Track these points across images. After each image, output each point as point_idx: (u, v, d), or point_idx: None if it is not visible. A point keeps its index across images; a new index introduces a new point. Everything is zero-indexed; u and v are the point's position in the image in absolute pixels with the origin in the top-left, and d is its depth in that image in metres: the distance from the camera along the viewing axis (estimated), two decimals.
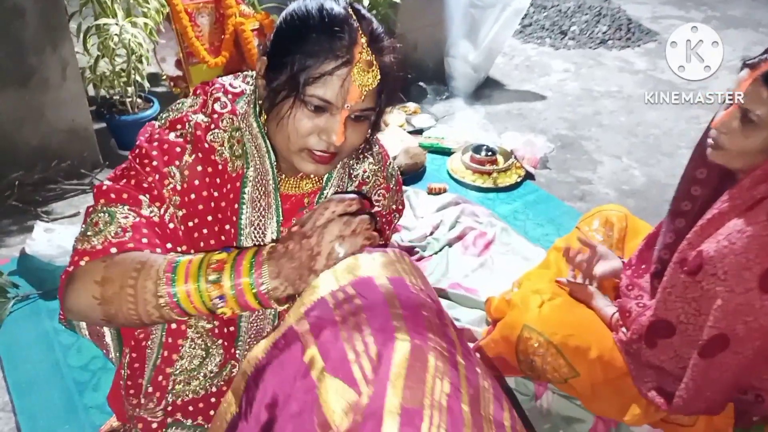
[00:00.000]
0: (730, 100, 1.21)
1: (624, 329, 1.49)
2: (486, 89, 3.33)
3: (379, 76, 0.89)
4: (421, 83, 3.18)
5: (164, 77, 2.82)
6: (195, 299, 0.79)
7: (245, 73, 1.09)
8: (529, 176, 2.51)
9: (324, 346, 0.64)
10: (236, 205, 1.00)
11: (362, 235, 0.78)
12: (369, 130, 0.99)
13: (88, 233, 0.87)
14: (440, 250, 2.05)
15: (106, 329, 1.04)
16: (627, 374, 1.44)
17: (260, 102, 0.97)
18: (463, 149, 2.55)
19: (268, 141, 0.98)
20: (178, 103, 1.01)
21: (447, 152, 2.62)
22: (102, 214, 0.87)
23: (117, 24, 2.15)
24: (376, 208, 1.19)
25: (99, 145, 2.42)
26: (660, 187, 2.59)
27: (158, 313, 0.80)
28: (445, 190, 2.35)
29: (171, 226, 0.92)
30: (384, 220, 1.22)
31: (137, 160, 0.93)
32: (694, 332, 1.28)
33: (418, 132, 2.80)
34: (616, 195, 2.50)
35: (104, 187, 0.91)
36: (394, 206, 1.24)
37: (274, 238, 1.04)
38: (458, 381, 0.62)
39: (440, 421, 0.58)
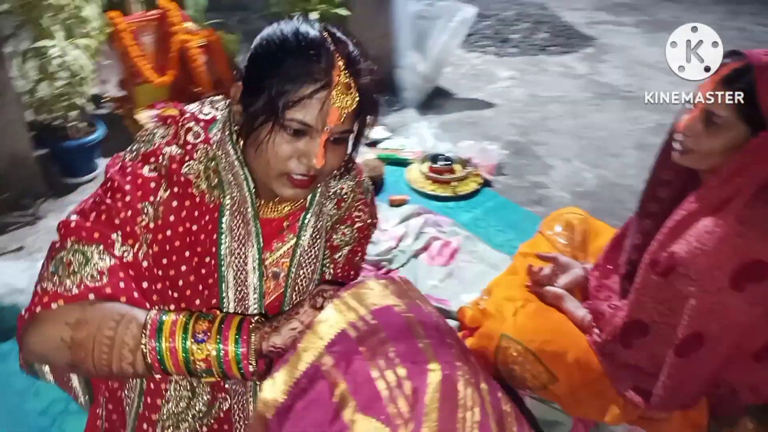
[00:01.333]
0: (692, 103, 1.26)
1: (597, 330, 1.51)
2: (436, 99, 3.37)
3: (357, 98, 0.88)
4: None
5: (107, 99, 2.71)
6: (179, 360, 0.79)
7: (213, 99, 1.05)
8: (486, 183, 2.54)
9: (354, 382, 0.61)
10: (215, 236, 0.96)
11: None
12: (347, 152, 0.97)
13: (60, 273, 0.82)
14: (407, 262, 2.05)
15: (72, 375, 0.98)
16: (604, 375, 1.47)
17: (236, 128, 0.94)
18: (421, 159, 2.56)
19: (245, 168, 0.95)
20: (149, 134, 0.96)
21: (404, 163, 2.63)
22: (76, 254, 0.83)
23: (57, 46, 2.04)
24: (357, 224, 1.17)
25: (42, 174, 2.29)
26: (611, 187, 2.68)
27: (132, 369, 0.80)
28: (406, 201, 2.35)
29: (144, 264, 0.88)
30: (362, 234, 1.20)
31: (109, 194, 0.88)
32: (668, 331, 1.32)
33: (373, 144, 2.80)
34: (570, 197, 2.56)
35: (73, 224, 0.86)
36: (369, 220, 1.22)
37: (256, 266, 1.00)
38: (485, 407, 0.61)
39: None
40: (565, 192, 2.60)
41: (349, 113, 0.88)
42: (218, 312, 0.85)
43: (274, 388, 0.67)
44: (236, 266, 0.98)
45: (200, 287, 0.95)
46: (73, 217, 0.88)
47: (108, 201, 0.87)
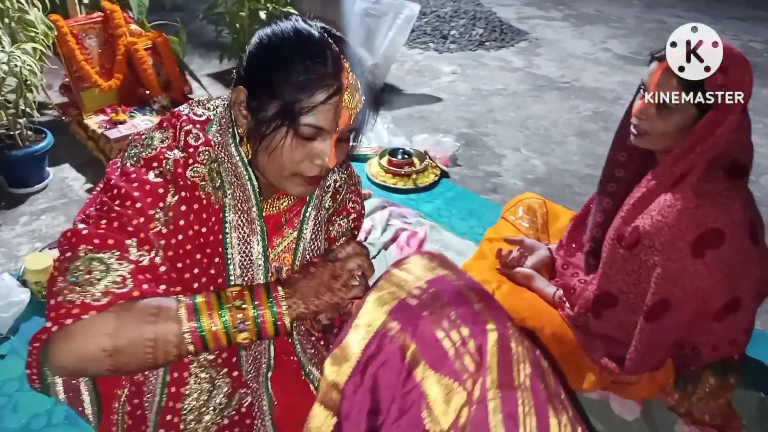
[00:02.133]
0: (643, 89, 1.37)
1: (569, 305, 1.62)
2: (386, 95, 3.43)
3: (363, 97, 0.92)
4: None
5: (52, 105, 2.61)
6: (220, 333, 0.82)
7: (201, 100, 1.06)
8: (444, 174, 2.62)
9: (422, 343, 0.66)
10: (221, 236, 0.98)
11: (367, 279, 0.87)
12: (350, 146, 1.01)
13: (81, 282, 0.81)
14: (378, 254, 2.09)
15: (82, 385, 0.97)
16: (578, 347, 1.57)
17: (240, 131, 0.96)
18: (380, 154, 2.61)
19: (250, 169, 0.97)
20: (146, 138, 0.95)
21: (363, 158, 2.67)
22: (93, 262, 0.82)
23: (4, 51, 1.96)
24: (352, 215, 1.21)
25: None
26: (558, 173, 2.82)
27: (176, 352, 0.82)
28: (369, 195, 2.40)
29: (162, 269, 0.89)
30: (355, 225, 1.24)
31: (117, 202, 0.88)
32: (636, 300, 1.43)
33: None
34: (523, 184, 2.68)
35: (84, 232, 0.85)
36: (362, 210, 1.26)
37: (261, 263, 1.02)
38: (531, 361, 0.68)
39: (527, 400, 0.64)
40: (517, 180, 2.72)
41: (355, 113, 0.91)
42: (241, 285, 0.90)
43: (345, 355, 0.70)
44: (243, 265, 1.00)
45: (211, 288, 0.96)
46: (81, 226, 0.87)
47: (117, 208, 0.87)
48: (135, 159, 0.92)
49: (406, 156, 2.58)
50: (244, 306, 0.84)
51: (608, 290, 1.49)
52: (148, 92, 2.67)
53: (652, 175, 1.41)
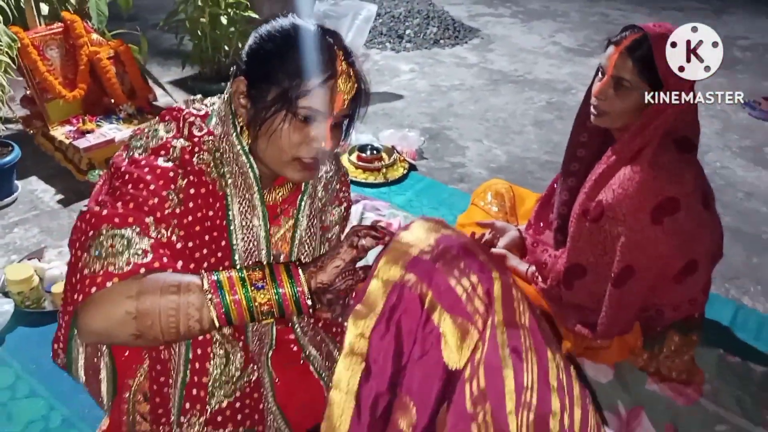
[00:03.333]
0: (601, 72, 1.48)
1: (541, 279, 1.73)
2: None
3: (356, 85, 1.00)
4: None
5: (16, 118, 2.58)
6: (243, 308, 0.87)
7: (195, 98, 1.12)
8: (412, 168, 2.71)
9: (437, 291, 0.74)
10: (224, 222, 1.03)
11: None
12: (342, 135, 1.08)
13: (104, 256, 0.85)
14: None
15: (103, 365, 1.01)
16: (552, 318, 1.68)
17: (240, 120, 1.03)
18: (349, 151, 2.68)
19: (251, 157, 1.03)
20: (150, 130, 1.01)
21: None
22: (115, 238, 0.86)
23: None
24: (344, 203, 1.28)
25: None
26: (519, 161, 2.95)
27: (199, 326, 0.86)
28: None
29: (179, 246, 0.94)
30: (346, 214, 1.31)
31: (129, 186, 0.92)
32: (603, 269, 1.54)
33: None
34: (487, 173, 2.79)
35: (104, 212, 0.89)
36: (351, 198, 1.34)
37: (264, 247, 1.08)
38: (529, 306, 0.77)
39: (528, 337, 0.73)
40: (481, 169, 2.83)
41: (348, 99, 0.99)
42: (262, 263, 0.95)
43: (369, 307, 0.76)
44: (248, 249, 1.06)
45: (221, 269, 1.02)
46: (96, 208, 0.90)
47: (132, 191, 0.91)
48: (142, 149, 0.98)
49: (374, 151, 2.66)
50: (264, 282, 0.89)
51: (577, 262, 1.60)
52: (113, 101, 2.67)
53: (612, 151, 1.52)
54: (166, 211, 0.93)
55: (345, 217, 1.31)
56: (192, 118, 1.03)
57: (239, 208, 1.04)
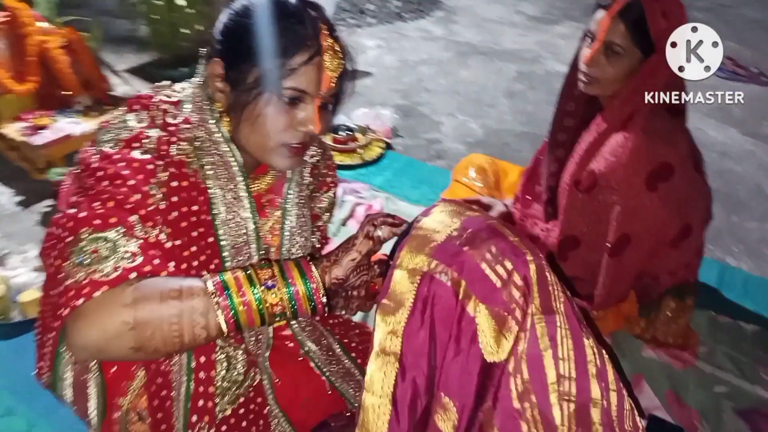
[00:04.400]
0: (590, 38, 1.43)
1: None
2: None
3: (342, 61, 0.92)
4: None
5: None
6: (253, 311, 0.78)
7: (160, 85, 1.02)
8: (388, 146, 2.64)
9: (470, 279, 0.68)
10: (209, 216, 0.95)
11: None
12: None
13: (88, 262, 0.76)
14: (338, 232, 2.09)
15: (92, 381, 0.92)
16: None
17: (218, 106, 0.94)
18: None
19: (232, 145, 0.95)
20: (119, 121, 0.92)
21: None
22: (99, 242, 0.77)
23: None
24: (332, 189, 1.21)
25: None
26: (495, 134, 2.91)
27: (205, 334, 0.78)
28: None
29: (168, 245, 0.86)
30: (335, 199, 1.24)
31: (105, 182, 0.83)
32: (597, 240, 1.51)
33: None
34: (464, 148, 2.75)
35: (81, 215, 0.80)
36: (336, 181, 1.27)
37: (253, 239, 1.01)
38: (562, 289, 0.72)
39: (563, 323, 0.68)
40: (458, 144, 2.78)
41: (335, 76, 0.91)
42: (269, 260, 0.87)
43: (397, 302, 0.70)
44: (236, 244, 0.99)
45: (211, 267, 0.95)
46: (72, 211, 0.81)
47: (108, 188, 0.82)
48: (113, 142, 0.88)
49: (349, 132, 2.58)
50: (275, 280, 0.81)
51: (571, 234, 1.56)
52: (67, 93, 2.52)
53: (602, 118, 1.48)
54: (150, 208, 0.84)
55: (333, 203, 1.24)
56: (165, 106, 0.94)
57: (224, 201, 0.97)
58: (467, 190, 2.03)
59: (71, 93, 2.51)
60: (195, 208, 0.93)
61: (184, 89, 0.99)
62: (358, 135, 2.59)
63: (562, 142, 1.66)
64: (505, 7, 4.86)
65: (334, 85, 0.91)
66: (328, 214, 1.23)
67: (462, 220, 0.74)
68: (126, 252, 0.78)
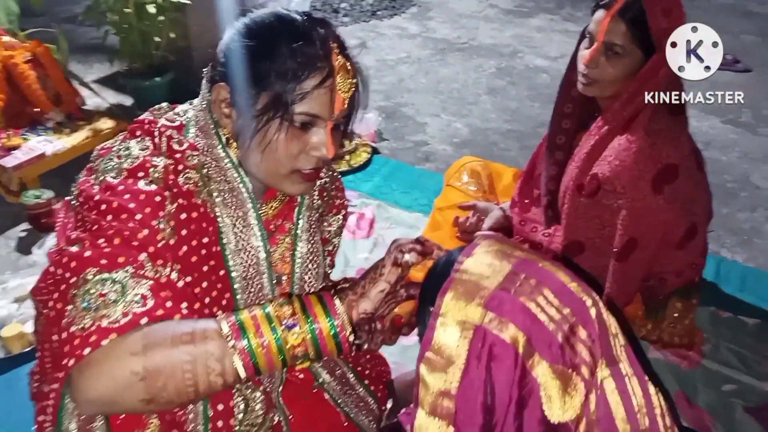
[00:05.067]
0: (589, 38, 1.40)
1: None
2: None
3: (354, 80, 0.87)
4: None
5: None
6: (273, 351, 0.73)
7: (162, 106, 0.97)
8: (375, 151, 2.59)
9: (531, 333, 0.62)
10: (219, 247, 0.90)
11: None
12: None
13: (95, 307, 0.70)
14: None
15: (98, 430, 0.86)
16: None
17: (224, 131, 0.89)
18: None
19: (242, 171, 0.90)
20: (122, 149, 0.85)
21: None
22: (107, 284, 0.72)
23: None
24: (342, 211, 1.16)
25: None
26: (481, 133, 2.87)
27: (222, 381, 0.71)
28: None
29: (180, 284, 0.80)
30: (344, 222, 1.19)
31: (109, 217, 0.77)
32: (602, 244, 1.49)
33: None
34: (451, 149, 2.71)
35: (86, 254, 0.74)
36: (346, 204, 1.21)
37: (265, 269, 0.95)
38: (620, 329, 0.67)
39: (629, 370, 0.64)
40: (445, 145, 2.74)
41: (348, 97, 0.87)
42: (290, 295, 0.82)
43: (447, 358, 0.64)
44: (248, 275, 0.93)
45: (223, 302, 0.89)
46: (75, 249, 0.75)
47: (114, 223, 0.76)
48: (116, 172, 0.82)
49: None
50: (296, 318, 0.75)
51: (575, 239, 1.54)
52: (37, 110, 2.41)
53: (603, 121, 1.45)
54: (160, 244, 0.78)
55: (342, 226, 1.19)
56: (168, 131, 0.88)
57: (233, 229, 0.91)
58: (461, 195, 1.99)
59: (41, 109, 2.40)
60: (205, 240, 0.87)
61: (186, 112, 0.94)
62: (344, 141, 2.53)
63: (561, 145, 1.62)
64: (478, 1, 4.83)
65: (346, 106, 0.87)
66: (338, 237, 1.17)
67: (513, 264, 0.68)
68: (136, 295, 0.72)
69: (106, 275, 0.72)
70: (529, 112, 3.06)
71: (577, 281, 0.68)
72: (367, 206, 2.20)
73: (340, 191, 1.16)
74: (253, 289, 0.94)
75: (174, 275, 0.79)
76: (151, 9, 2.63)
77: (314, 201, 1.06)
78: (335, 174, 1.15)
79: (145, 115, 0.93)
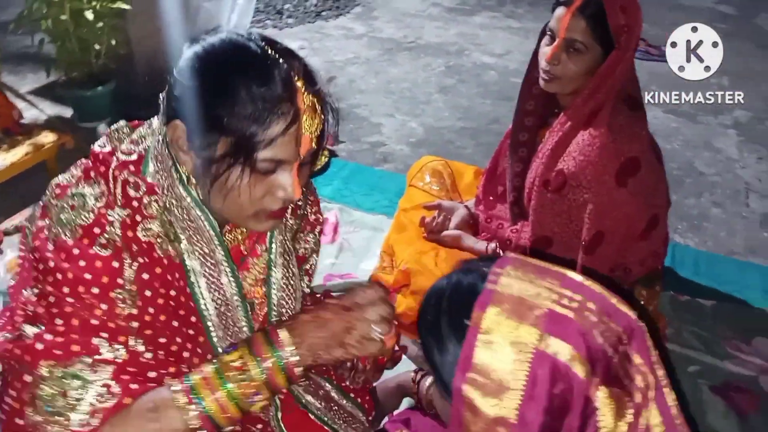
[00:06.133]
0: (550, 35, 1.42)
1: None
2: None
3: (322, 116, 0.81)
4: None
5: None
6: (229, 406, 0.75)
7: (120, 128, 0.88)
8: (333, 154, 2.56)
9: (591, 358, 0.59)
10: (188, 291, 0.85)
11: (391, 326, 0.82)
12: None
13: (60, 412, 0.71)
14: None
15: None
16: None
17: (182, 169, 0.82)
18: None
19: (205, 209, 0.83)
20: (75, 198, 0.79)
21: None
22: (65, 380, 0.71)
23: None
24: (317, 227, 1.12)
25: None
26: (436, 131, 2.89)
27: None
28: None
29: (147, 356, 0.77)
30: (319, 238, 1.15)
31: (65, 290, 0.73)
32: (570, 238, 1.52)
33: None
34: (408, 149, 2.71)
35: (39, 346, 0.72)
36: (321, 219, 1.17)
37: (239, 304, 0.90)
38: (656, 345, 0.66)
39: (667, 388, 0.62)
40: (402, 145, 2.74)
41: (316, 136, 0.81)
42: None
43: (501, 383, 0.60)
44: (220, 313, 0.89)
45: (199, 350, 0.86)
46: (30, 332, 0.73)
47: (69, 299, 0.73)
48: (70, 229, 0.76)
49: None
50: (246, 366, 0.76)
51: (542, 234, 1.56)
52: None
53: (565, 117, 1.48)
54: (119, 320, 0.75)
55: (319, 242, 1.15)
56: (124, 174, 0.81)
57: (203, 268, 0.85)
58: (425, 195, 1.98)
59: None
60: (173, 293, 0.82)
61: (144, 139, 0.86)
62: None
63: (524, 142, 1.65)
64: (421, 0, 4.86)
65: (314, 145, 0.81)
66: (315, 255, 1.13)
67: (560, 282, 0.65)
68: (100, 386, 0.73)
69: (63, 370, 0.72)
70: (481, 109, 3.10)
71: (613, 295, 0.66)
72: (330, 211, 2.17)
73: (315, 205, 1.10)
74: (229, 323, 0.90)
75: (140, 347, 0.77)
76: (89, 15, 2.50)
77: (287, 221, 1.01)
78: (310, 187, 1.10)
79: (100, 145, 0.85)
